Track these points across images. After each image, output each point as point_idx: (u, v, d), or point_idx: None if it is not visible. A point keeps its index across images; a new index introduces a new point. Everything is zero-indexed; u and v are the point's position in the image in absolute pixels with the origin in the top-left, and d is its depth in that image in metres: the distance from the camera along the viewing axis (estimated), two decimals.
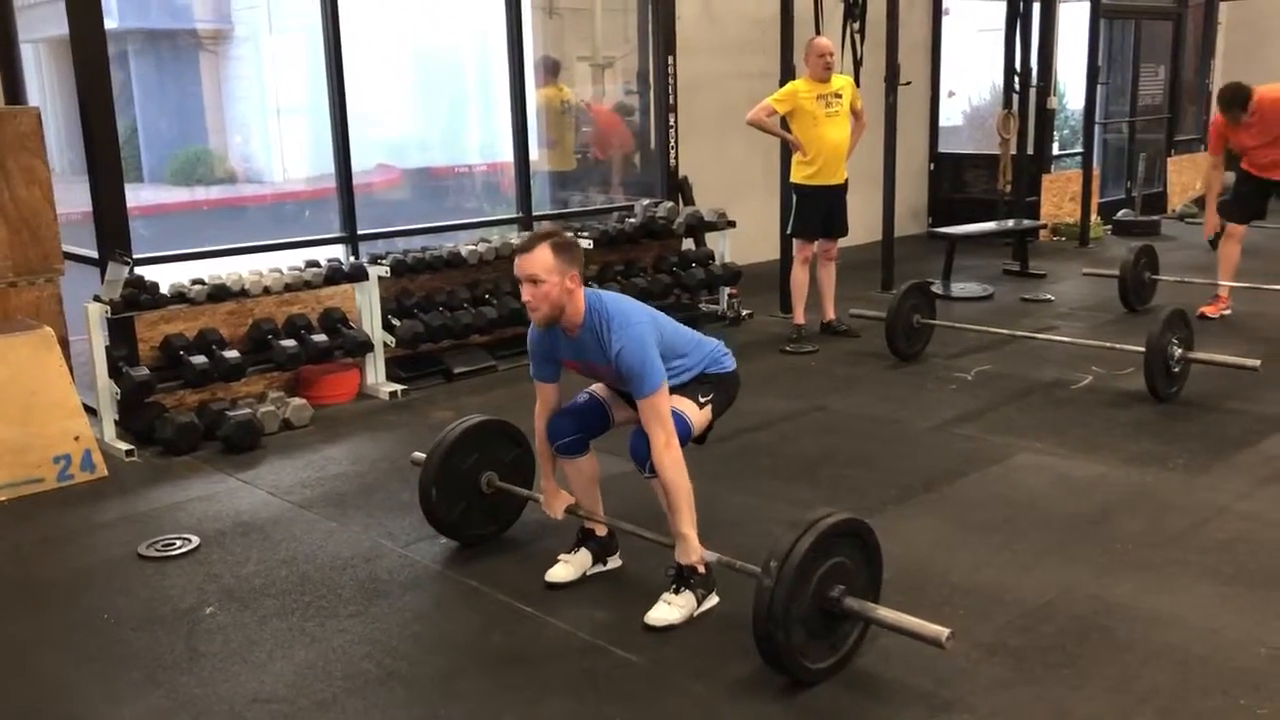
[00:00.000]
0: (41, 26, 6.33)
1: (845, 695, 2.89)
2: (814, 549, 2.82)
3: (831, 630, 2.94)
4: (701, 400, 3.45)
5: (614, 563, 3.70)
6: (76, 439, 4.65)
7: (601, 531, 3.67)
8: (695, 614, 3.30)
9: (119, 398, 5.06)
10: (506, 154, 7.20)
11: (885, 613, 2.86)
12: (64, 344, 4.97)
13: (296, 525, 4.16)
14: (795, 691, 2.89)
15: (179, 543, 3.99)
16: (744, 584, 3.01)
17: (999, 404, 5.45)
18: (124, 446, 4.96)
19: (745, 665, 3.00)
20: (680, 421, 3.31)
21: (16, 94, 6.03)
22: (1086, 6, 10.17)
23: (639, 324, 3.24)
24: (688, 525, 3.26)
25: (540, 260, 3.15)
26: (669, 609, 3.27)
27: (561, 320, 3.26)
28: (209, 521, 4.21)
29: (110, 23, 5.51)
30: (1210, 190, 7.14)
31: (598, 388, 3.57)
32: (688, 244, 7.57)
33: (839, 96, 6.47)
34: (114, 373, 5.08)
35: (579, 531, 3.67)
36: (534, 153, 7.40)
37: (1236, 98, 6.59)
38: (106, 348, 5.09)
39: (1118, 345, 5.78)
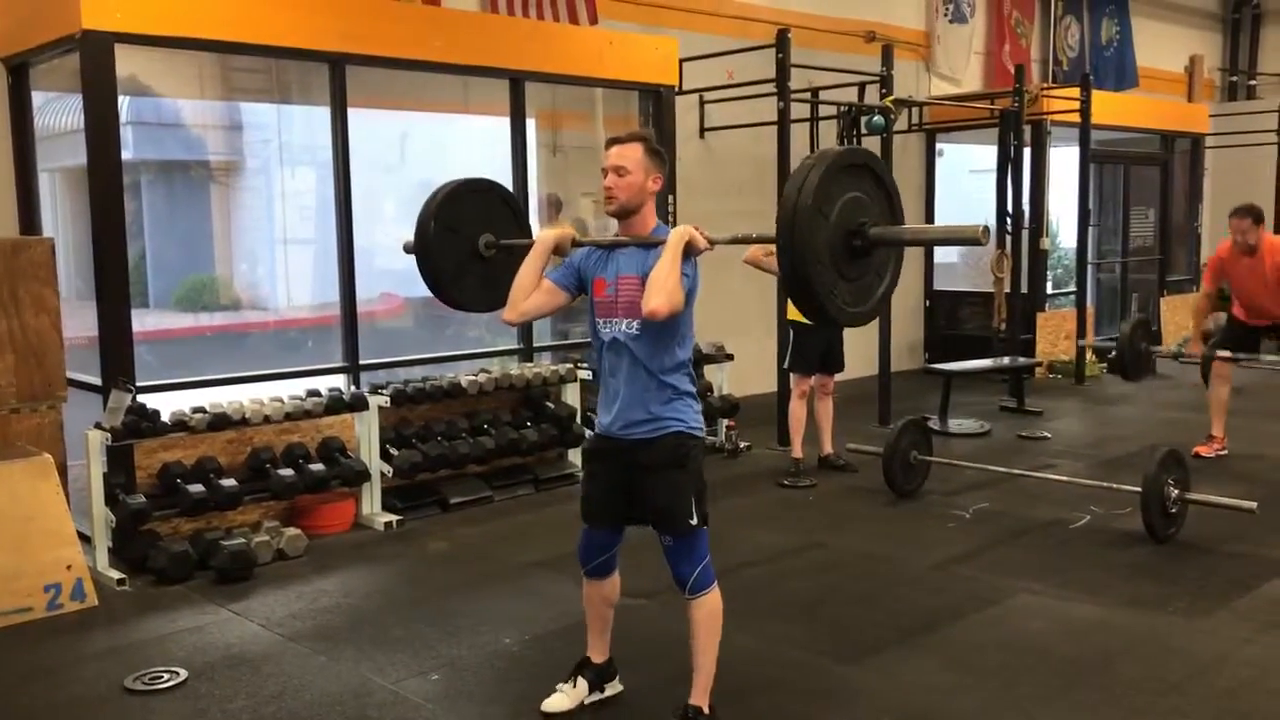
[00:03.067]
0: (59, 156, 6.51)
1: None
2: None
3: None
4: (693, 523, 3.31)
5: (613, 689, 3.66)
6: (69, 568, 4.61)
7: (599, 659, 3.63)
8: None
9: (114, 525, 5.04)
10: None
11: None
12: (62, 470, 4.98)
13: (286, 659, 4.10)
14: None
15: (166, 676, 3.92)
16: None
17: (997, 543, 5.43)
18: (116, 575, 4.92)
19: None
20: (688, 541, 3.30)
21: (32, 221, 6.17)
22: (1076, 150, 10.46)
23: (695, 261, 3.26)
24: (712, 656, 3.33)
25: (632, 153, 3.27)
26: None
27: (631, 222, 3.32)
28: (198, 654, 4.15)
29: (125, 154, 5.68)
30: (1198, 315, 7.23)
31: (585, 523, 3.53)
32: None
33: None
34: (110, 500, 5.07)
35: (578, 662, 3.64)
36: None
37: (1254, 210, 6.83)
38: (104, 475, 5.09)
39: (1115, 485, 5.78)
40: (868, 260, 3.02)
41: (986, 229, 2.82)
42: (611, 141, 3.33)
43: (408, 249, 3.92)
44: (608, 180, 3.29)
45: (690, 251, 3.19)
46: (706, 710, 3.32)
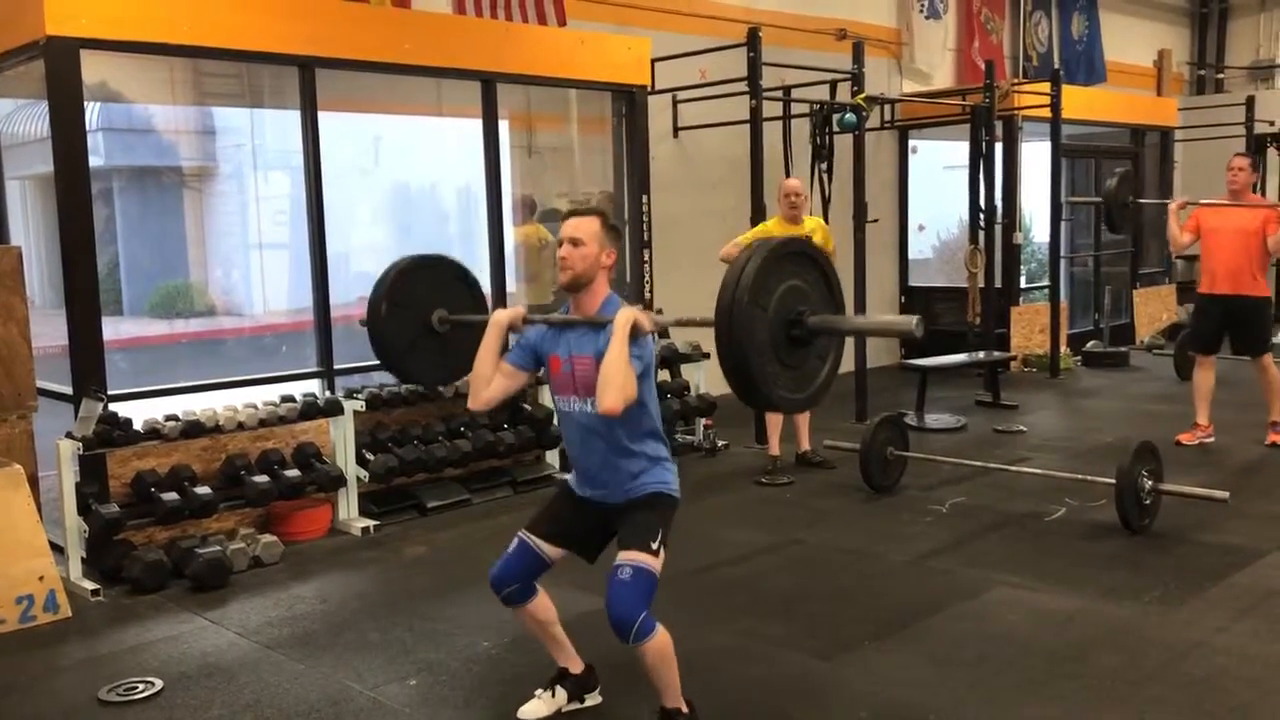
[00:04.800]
0: (27, 163, 6.46)
1: None
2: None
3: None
4: (655, 546, 3.25)
5: (593, 699, 3.63)
6: (41, 579, 4.57)
7: (576, 669, 3.61)
8: None
9: (87, 535, 4.99)
10: (485, 287, 7.30)
11: None
12: (33, 481, 4.93)
13: (263, 667, 4.07)
14: None
15: (141, 686, 3.89)
16: None
17: (974, 537, 5.45)
18: (90, 585, 4.87)
19: None
20: (646, 577, 3.19)
21: (1, 230, 6.12)
22: (1048, 145, 10.52)
23: (647, 337, 3.26)
24: (674, 677, 3.26)
25: (588, 226, 3.28)
26: None
27: (582, 295, 3.30)
28: (173, 663, 4.12)
29: (97, 160, 5.63)
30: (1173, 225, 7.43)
31: (528, 535, 3.42)
32: (663, 375, 7.63)
33: (809, 239, 6.62)
34: (83, 510, 5.02)
35: (556, 670, 3.61)
36: (512, 286, 7.51)
37: (1255, 163, 7.25)
38: (77, 484, 5.04)
39: (1089, 477, 5.82)
40: (808, 348, 3.03)
41: (920, 321, 2.84)
42: (570, 214, 3.35)
43: (362, 323, 3.95)
44: (563, 250, 3.28)
45: (637, 334, 3.18)
46: (685, 709, 3.31)
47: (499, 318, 3.43)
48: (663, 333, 7.87)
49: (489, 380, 3.39)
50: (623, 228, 7.95)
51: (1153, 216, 13.16)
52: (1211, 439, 7.26)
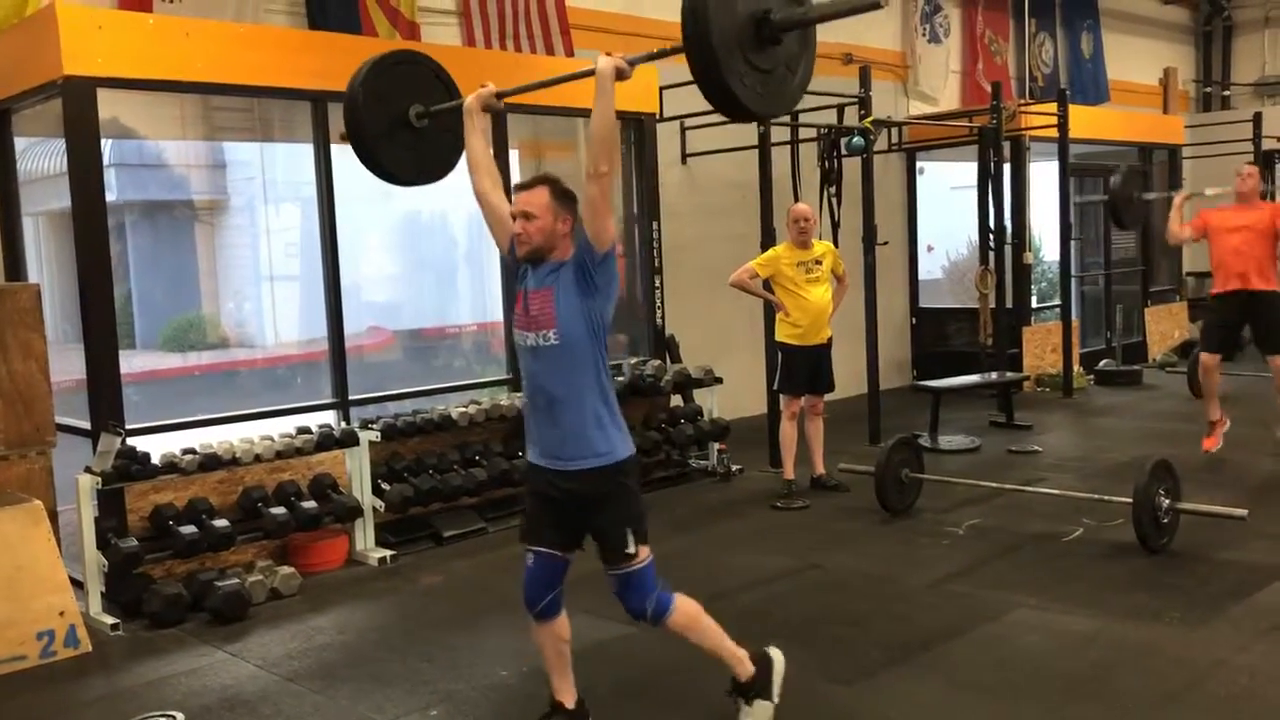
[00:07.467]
0: (42, 200, 6.51)
1: None
2: None
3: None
4: (632, 550, 3.31)
5: None
6: (61, 614, 4.58)
7: (570, 702, 3.54)
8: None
9: (106, 570, 5.01)
10: (496, 314, 7.35)
11: None
12: (53, 516, 4.95)
13: (283, 699, 4.08)
14: None
15: None
16: None
17: (992, 559, 5.44)
18: (109, 620, 4.89)
19: None
20: (639, 576, 3.31)
21: (18, 267, 6.16)
22: (1055, 165, 10.54)
23: (612, 257, 3.30)
24: (717, 640, 3.42)
25: (538, 198, 3.29)
26: None
27: (548, 257, 3.32)
28: (194, 697, 4.13)
29: (109, 196, 5.67)
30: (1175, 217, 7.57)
31: (532, 545, 3.42)
32: (675, 400, 7.64)
33: (819, 263, 6.65)
34: (102, 544, 5.04)
35: (549, 704, 3.55)
36: None
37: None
38: (96, 519, 5.06)
39: (1106, 497, 5.80)
40: (777, 50, 3.05)
41: None
42: (518, 187, 3.36)
43: (343, 137, 3.95)
44: (517, 226, 3.30)
45: (621, 77, 3.25)
46: (744, 677, 3.46)
47: (471, 104, 3.58)
48: (675, 356, 7.88)
49: (481, 165, 3.53)
50: (632, 254, 8.00)
51: (1162, 227, 13.16)
52: (1228, 426, 7.35)
